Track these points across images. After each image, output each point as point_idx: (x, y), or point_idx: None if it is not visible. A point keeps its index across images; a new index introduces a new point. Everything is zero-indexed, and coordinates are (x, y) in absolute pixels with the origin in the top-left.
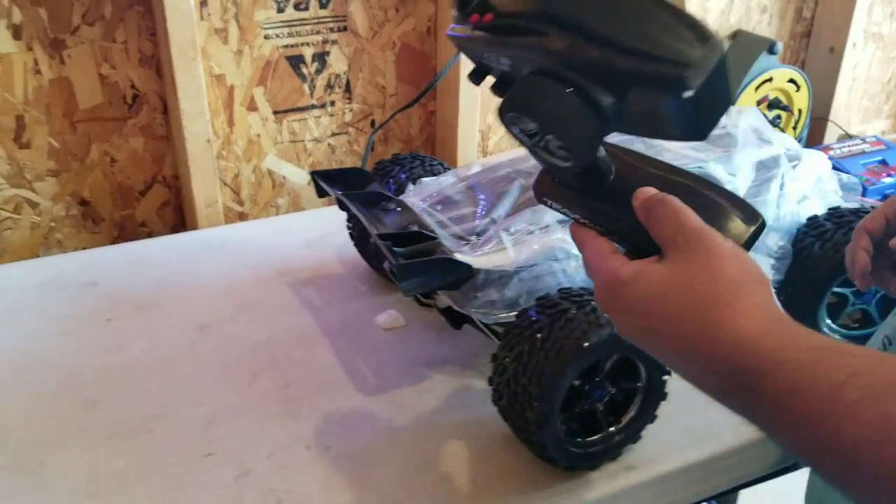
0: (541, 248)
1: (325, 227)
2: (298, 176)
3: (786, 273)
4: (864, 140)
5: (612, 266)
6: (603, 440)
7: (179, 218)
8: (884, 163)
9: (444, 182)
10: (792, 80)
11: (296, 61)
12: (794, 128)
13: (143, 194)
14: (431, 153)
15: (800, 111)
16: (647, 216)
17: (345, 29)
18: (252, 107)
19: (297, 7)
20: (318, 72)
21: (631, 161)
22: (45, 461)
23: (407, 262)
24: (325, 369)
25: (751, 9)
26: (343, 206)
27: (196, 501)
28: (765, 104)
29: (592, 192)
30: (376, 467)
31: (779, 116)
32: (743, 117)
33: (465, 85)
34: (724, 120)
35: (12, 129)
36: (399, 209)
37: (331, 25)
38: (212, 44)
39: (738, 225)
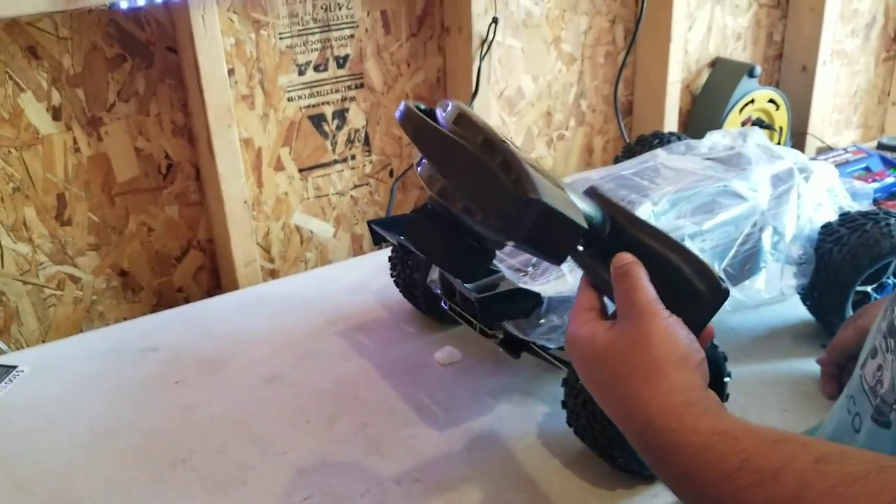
0: None
1: (359, 276)
2: (324, 230)
3: (811, 278)
4: (845, 150)
5: (579, 321)
6: None
7: (215, 280)
8: (868, 169)
9: None
10: (772, 100)
11: (318, 120)
12: (778, 143)
13: (179, 260)
14: None
15: (781, 128)
16: (615, 283)
17: (361, 86)
18: (279, 167)
19: (316, 69)
20: (339, 128)
21: (623, 222)
22: None
23: (486, 296)
24: (395, 408)
25: (726, 37)
26: (401, 251)
27: None
28: (749, 124)
29: (587, 247)
30: (469, 493)
31: None
32: (750, 137)
33: None
34: (731, 141)
35: (54, 207)
36: None
37: (348, 83)
38: (239, 109)
39: (697, 299)
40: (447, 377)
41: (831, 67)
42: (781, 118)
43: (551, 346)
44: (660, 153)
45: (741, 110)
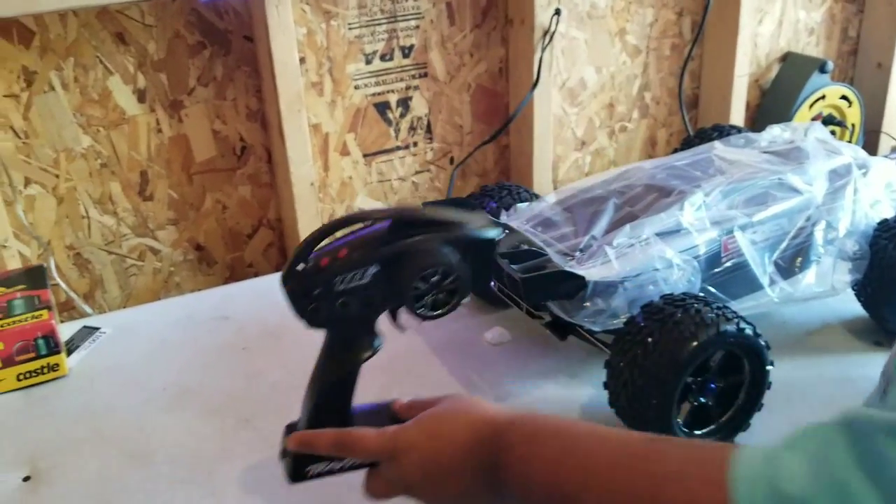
0: (642, 258)
1: None
2: None
3: (864, 273)
4: None
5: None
6: (715, 431)
7: (282, 257)
8: None
9: (542, 206)
10: (844, 97)
11: (382, 107)
12: (849, 141)
13: (250, 237)
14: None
15: (853, 125)
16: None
17: (425, 75)
18: (344, 151)
19: (382, 58)
20: (402, 116)
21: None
22: (213, 471)
23: (530, 276)
24: (445, 383)
25: (798, 31)
26: None
27: (356, 502)
28: (819, 120)
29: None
30: None
31: (833, 132)
32: (810, 131)
33: (539, 119)
34: (791, 136)
35: (137, 184)
36: (508, 231)
37: (412, 73)
38: (309, 96)
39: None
40: (496, 357)
41: None
42: (854, 115)
43: (596, 328)
44: (717, 145)
45: (811, 106)
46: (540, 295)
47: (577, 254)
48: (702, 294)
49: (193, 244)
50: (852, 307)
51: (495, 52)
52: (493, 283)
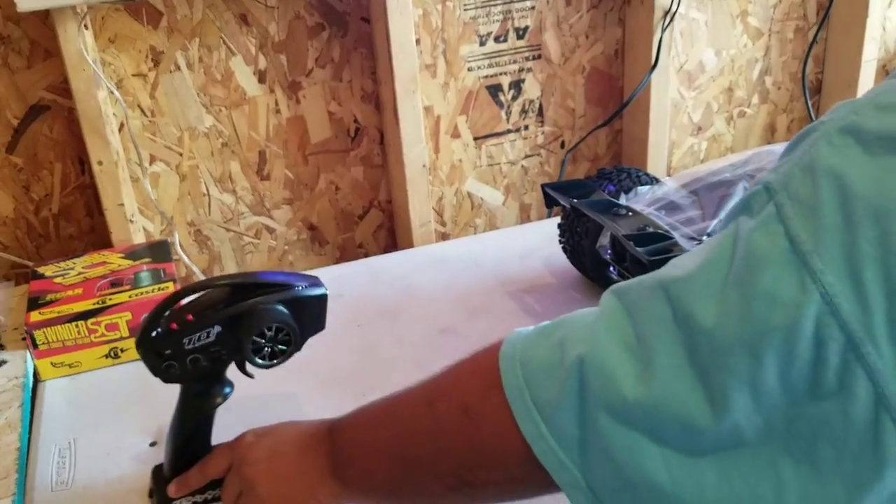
0: None
1: (528, 243)
2: (494, 197)
3: None
4: None
5: None
6: None
7: (391, 239)
8: None
9: (666, 189)
10: None
11: (494, 90)
12: None
13: (361, 218)
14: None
15: None
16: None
17: (539, 57)
18: (455, 134)
19: (496, 40)
20: (514, 98)
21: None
22: None
23: (659, 258)
24: None
25: None
26: (572, 215)
27: None
28: None
29: None
30: None
31: None
32: None
33: (656, 102)
34: None
35: (255, 163)
36: (630, 213)
37: (526, 55)
38: (423, 78)
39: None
40: None
41: None
42: None
43: None
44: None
45: None
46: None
47: (705, 238)
48: None
49: (307, 224)
50: None
51: (612, 34)
52: (611, 268)
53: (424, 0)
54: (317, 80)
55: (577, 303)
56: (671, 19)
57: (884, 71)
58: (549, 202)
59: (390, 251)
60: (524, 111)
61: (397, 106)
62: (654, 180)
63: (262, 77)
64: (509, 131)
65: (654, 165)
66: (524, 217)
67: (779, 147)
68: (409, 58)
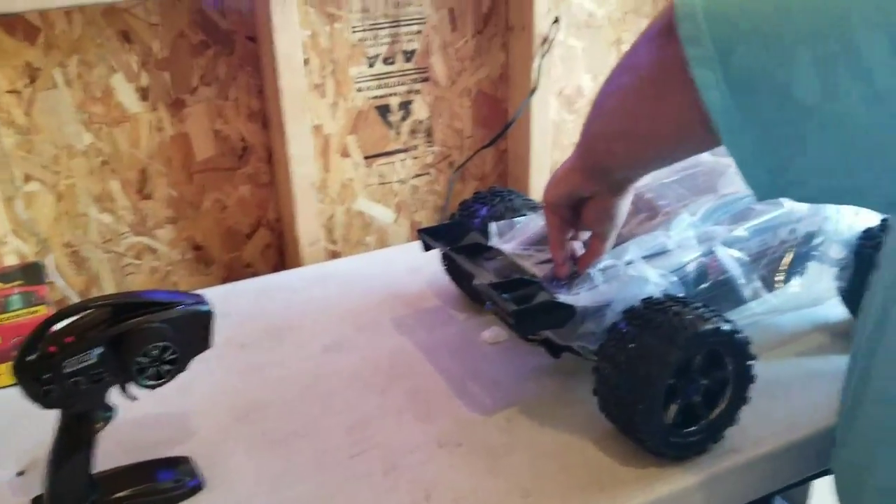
0: (628, 280)
1: (417, 260)
2: (385, 216)
3: (848, 281)
4: None
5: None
6: (703, 429)
7: (280, 258)
8: None
9: (536, 224)
10: None
11: (383, 110)
12: None
13: (248, 237)
14: (503, 184)
15: None
16: None
17: (427, 79)
18: (345, 153)
19: (385, 62)
20: (404, 119)
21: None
22: (215, 464)
23: (522, 309)
24: (443, 380)
25: None
26: (448, 257)
27: (355, 491)
28: None
29: None
30: (505, 459)
31: None
32: None
33: (537, 124)
34: None
35: (137, 182)
36: (499, 257)
37: (414, 77)
38: (311, 97)
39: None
40: (493, 356)
41: None
42: None
43: (590, 347)
44: (704, 158)
45: None
46: (532, 326)
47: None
48: (682, 296)
49: (192, 243)
50: (839, 312)
51: (496, 58)
52: (487, 305)
53: (312, 21)
54: (202, 98)
55: (462, 318)
56: (549, 46)
57: None
58: (427, 246)
59: (279, 270)
60: (413, 131)
61: (285, 125)
62: (526, 202)
63: (144, 94)
64: (399, 151)
65: (537, 184)
66: (415, 235)
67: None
68: (296, 77)
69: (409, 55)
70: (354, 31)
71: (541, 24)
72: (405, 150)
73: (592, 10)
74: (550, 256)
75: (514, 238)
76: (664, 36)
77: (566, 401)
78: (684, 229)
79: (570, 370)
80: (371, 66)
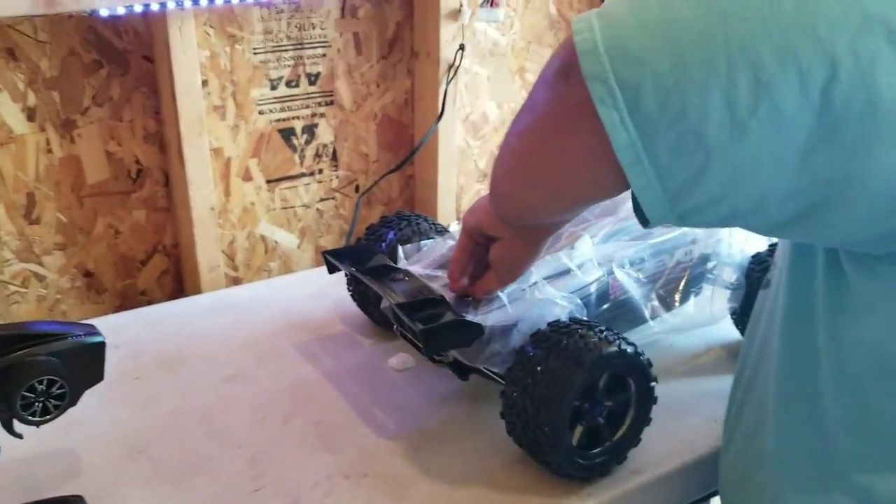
0: (533, 300)
1: (320, 286)
2: (289, 240)
3: (740, 303)
4: None
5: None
6: (607, 450)
7: (178, 285)
8: None
9: (443, 246)
10: None
11: (287, 133)
12: None
13: (144, 264)
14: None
15: None
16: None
17: (331, 103)
18: (247, 177)
19: (288, 84)
20: (308, 142)
21: None
22: (109, 503)
23: (430, 328)
24: (349, 408)
25: None
26: (354, 280)
27: None
28: None
29: None
30: (412, 489)
31: None
32: None
33: (444, 149)
34: None
35: (23, 206)
36: (406, 278)
37: (319, 100)
38: (211, 119)
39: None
40: (400, 382)
41: None
42: None
43: (495, 369)
44: None
45: None
46: (440, 345)
47: (470, 299)
48: (586, 319)
49: (82, 270)
50: (731, 332)
51: (401, 84)
52: (395, 328)
53: (212, 42)
54: (94, 119)
55: (367, 345)
56: (455, 73)
57: None
58: (331, 269)
59: (176, 297)
60: (318, 155)
61: (182, 147)
62: (433, 227)
63: (31, 115)
64: (303, 175)
65: (444, 209)
66: (320, 259)
67: None
68: (194, 99)
69: (313, 78)
70: (256, 53)
71: (446, 51)
72: (309, 174)
73: (496, 39)
74: (442, 277)
75: (421, 260)
76: (563, 74)
77: (474, 426)
78: (586, 252)
79: (478, 394)
80: (274, 88)
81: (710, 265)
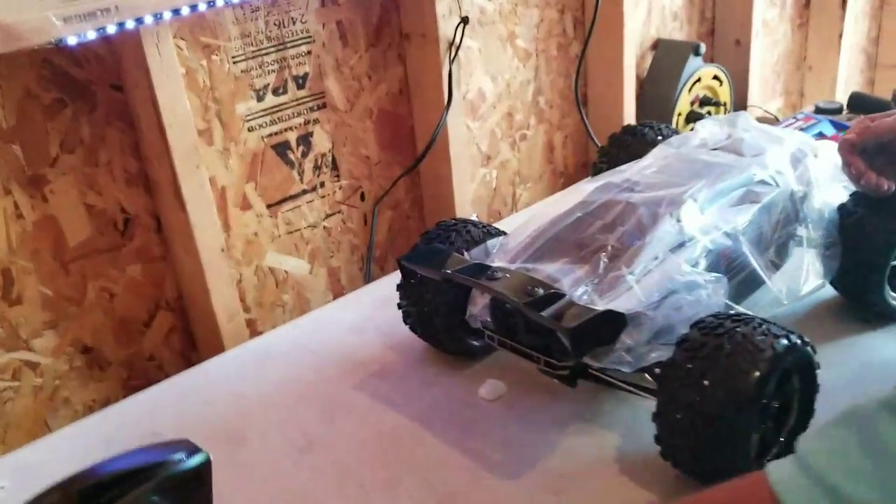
0: (664, 280)
1: (356, 316)
2: (300, 267)
3: (840, 260)
4: (795, 118)
5: None
6: (780, 451)
7: (189, 342)
8: (822, 135)
9: (519, 242)
10: (716, 77)
11: (282, 148)
12: None
13: (147, 325)
14: (420, 213)
15: (724, 104)
16: None
17: (324, 106)
18: (245, 206)
19: (275, 93)
20: (305, 155)
21: None
22: None
23: (579, 325)
24: (455, 459)
25: (665, 17)
26: (421, 283)
27: None
28: (697, 103)
29: None
30: None
31: (709, 112)
32: (740, 122)
33: (454, 137)
34: (721, 129)
35: (0, 287)
36: (507, 275)
37: (310, 105)
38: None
39: None
40: (498, 414)
41: (760, 39)
42: (725, 94)
43: (626, 370)
44: (668, 151)
45: (690, 90)
46: (588, 344)
47: (589, 288)
48: (724, 311)
49: (79, 347)
50: (823, 293)
51: (394, 72)
52: (488, 337)
53: (185, 56)
54: (65, 169)
55: (439, 377)
56: (456, 52)
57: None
58: (408, 275)
59: (189, 355)
60: (317, 167)
61: (179, 185)
62: (486, 231)
63: None
64: (305, 192)
65: (462, 202)
66: (334, 282)
67: (604, 182)
68: (185, 128)
69: (300, 81)
70: (236, 62)
71: (445, 28)
72: (311, 190)
73: (483, 6)
74: (553, 270)
75: (507, 256)
76: None
77: (605, 453)
78: (693, 219)
79: (591, 414)
80: (260, 99)
81: (806, 223)
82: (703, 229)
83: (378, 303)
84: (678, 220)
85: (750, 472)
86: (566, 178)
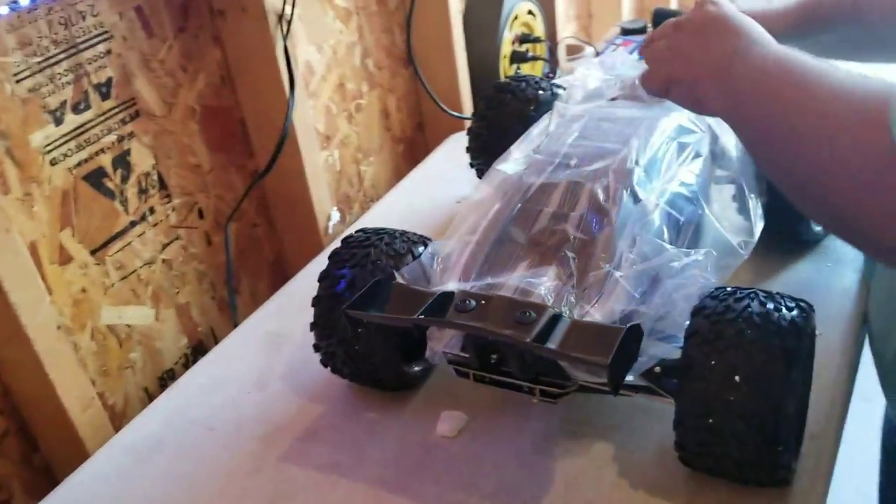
0: (645, 266)
1: (242, 370)
2: (143, 315)
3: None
4: (614, 44)
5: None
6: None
7: (29, 446)
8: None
9: (461, 252)
10: (530, 11)
11: (96, 177)
12: (542, 54)
13: None
14: (268, 219)
15: (539, 38)
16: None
17: (137, 115)
18: (64, 259)
19: (76, 110)
20: (125, 179)
21: None
22: None
23: (617, 356)
24: None
25: None
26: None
27: None
28: (517, 42)
29: None
30: None
31: (527, 50)
32: (606, 60)
33: (300, 123)
34: (604, 73)
35: None
36: (482, 302)
37: (121, 116)
38: None
39: None
40: (467, 451)
41: None
42: (539, 28)
43: (629, 377)
44: (573, 110)
45: (510, 29)
46: (624, 371)
47: (573, 297)
48: (717, 290)
49: None
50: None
51: (211, 58)
52: (462, 374)
53: None
54: None
55: (383, 422)
56: (289, 25)
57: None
58: (357, 326)
59: (33, 461)
60: (143, 191)
61: None
62: (410, 241)
63: None
64: (133, 224)
65: (319, 198)
66: (185, 322)
67: (523, 163)
68: None
69: (104, 90)
70: (19, 80)
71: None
72: (140, 220)
73: None
74: (518, 280)
75: (448, 276)
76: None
77: (605, 471)
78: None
79: (574, 429)
80: (59, 122)
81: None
82: (659, 195)
83: (267, 345)
84: (634, 194)
85: (787, 463)
86: (405, 144)
